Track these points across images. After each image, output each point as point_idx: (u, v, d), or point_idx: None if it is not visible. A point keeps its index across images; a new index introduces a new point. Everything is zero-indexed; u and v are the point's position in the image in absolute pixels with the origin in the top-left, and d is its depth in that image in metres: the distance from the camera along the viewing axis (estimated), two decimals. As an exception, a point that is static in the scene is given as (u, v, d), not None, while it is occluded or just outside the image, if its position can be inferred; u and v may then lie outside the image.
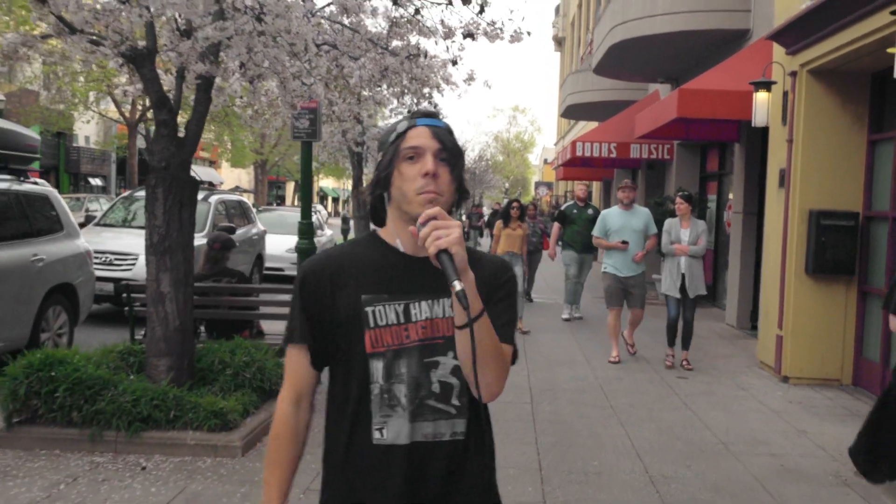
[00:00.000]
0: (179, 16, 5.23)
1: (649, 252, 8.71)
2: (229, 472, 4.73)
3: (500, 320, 1.77)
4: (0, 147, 7.29)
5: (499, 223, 10.37)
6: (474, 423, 1.81)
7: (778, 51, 8.26)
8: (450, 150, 1.75)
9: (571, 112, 22.88)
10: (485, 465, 1.83)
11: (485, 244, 27.10)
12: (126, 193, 13.15)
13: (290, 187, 69.12)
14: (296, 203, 67.65)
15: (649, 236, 8.55)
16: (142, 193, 12.91)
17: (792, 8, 7.80)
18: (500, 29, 6.29)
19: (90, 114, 30.49)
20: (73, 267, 7.86)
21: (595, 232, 8.78)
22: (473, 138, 52.12)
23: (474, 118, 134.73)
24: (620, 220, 8.47)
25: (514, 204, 10.28)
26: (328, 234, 19.87)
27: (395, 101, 10.59)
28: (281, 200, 62.39)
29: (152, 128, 22.01)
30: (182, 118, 6.10)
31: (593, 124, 24.59)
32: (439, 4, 6.40)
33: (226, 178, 50.57)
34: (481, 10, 6.13)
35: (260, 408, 5.65)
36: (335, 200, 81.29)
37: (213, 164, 49.30)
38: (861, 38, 6.34)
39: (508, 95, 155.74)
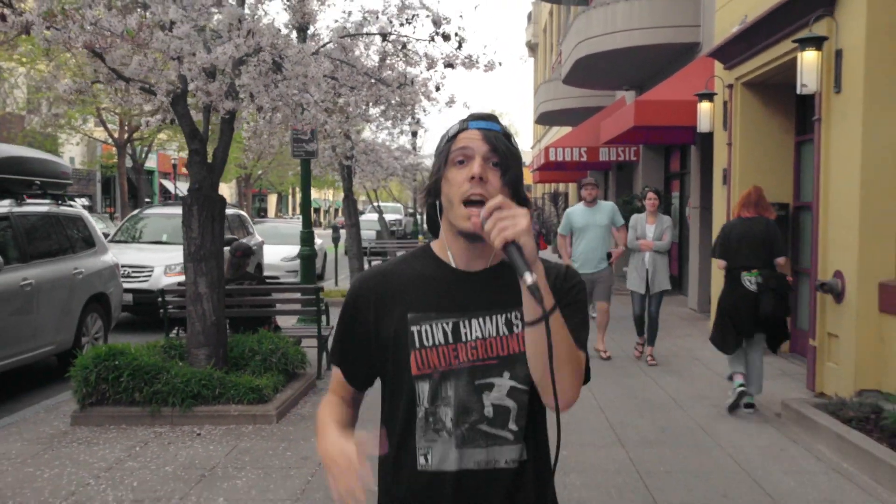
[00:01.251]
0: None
1: (625, 247, 8.56)
2: (269, 434, 5.81)
3: (572, 322, 1.60)
4: (39, 175, 8.31)
5: None
6: (533, 448, 1.68)
7: (718, 66, 9.46)
8: (502, 154, 1.61)
9: (545, 119, 24.10)
10: (546, 496, 1.72)
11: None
12: (134, 212, 14.13)
13: (272, 199, 70.21)
14: (278, 214, 68.62)
15: (618, 229, 8.51)
16: (149, 211, 13.98)
17: (727, 30, 9.00)
18: (476, 60, 7.41)
19: (77, 135, 31.20)
20: (105, 278, 8.90)
21: (560, 230, 8.84)
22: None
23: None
24: (584, 218, 8.47)
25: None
26: (318, 242, 20.90)
27: (382, 119, 11.76)
28: (264, 213, 63.30)
29: (138, 147, 22.86)
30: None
31: (567, 129, 25.86)
32: (423, 40, 7.54)
33: (209, 192, 51.41)
34: (459, 46, 7.25)
35: (287, 385, 6.74)
36: (316, 211, 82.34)
37: (195, 179, 50.17)
38: (777, 58, 7.55)
39: (485, 101, 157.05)
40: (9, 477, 4.91)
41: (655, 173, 16.12)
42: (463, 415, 1.62)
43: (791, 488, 4.76)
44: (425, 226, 1.77)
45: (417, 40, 7.49)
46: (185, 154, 35.59)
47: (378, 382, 1.78)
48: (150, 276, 11.08)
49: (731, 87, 8.98)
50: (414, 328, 1.64)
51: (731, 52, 8.64)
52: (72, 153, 39.40)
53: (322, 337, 7.74)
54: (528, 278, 1.38)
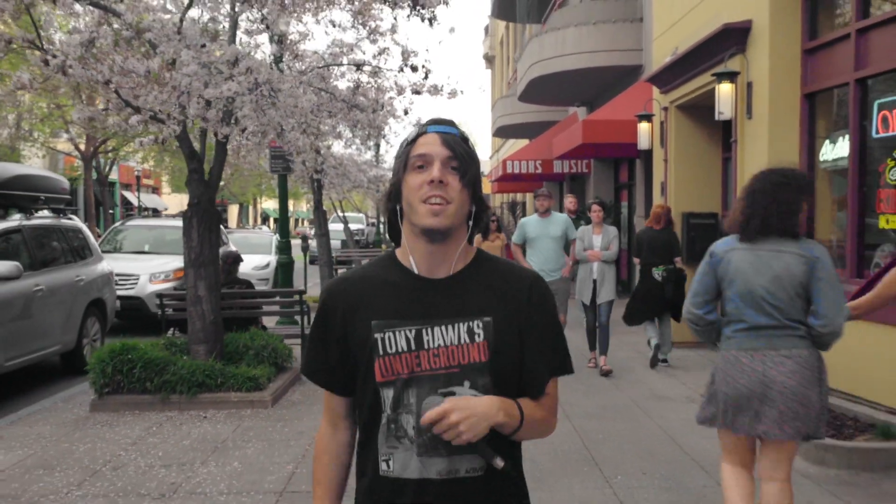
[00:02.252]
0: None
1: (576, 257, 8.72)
2: (266, 416, 6.73)
3: (549, 352, 1.73)
4: (43, 191, 9.10)
5: (478, 237, 11.84)
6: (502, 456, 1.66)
7: (655, 90, 10.61)
8: (461, 157, 1.65)
9: (502, 132, 25.26)
10: None
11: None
12: (116, 224, 14.86)
13: (233, 210, 70.55)
14: (240, 224, 68.91)
15: (570, 242, 8.63)
16: (130, 223, 14.73)
17: (662, 58, 10.15)
18: (441, 89, 8.43)
19: (38, 148, 31.44)
20: (102, 285, 9.71)
21: (514, 240, 8.83)
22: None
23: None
24: (538, 229, 8.51)
25: (493, 217, 11.78)
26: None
27: (351, 136, 12.72)
28: (224, 223, 63.59)
29: (102, 160, 23.31)
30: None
31: (524, 141, 27.05)
32: (393, 71, 8.53)
33: (168, 203, 51.85)
34: (426, 77, 8.25)
35: (277, 376, 7.66)
36: (276, 221, 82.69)
37: (155, 190, 50.47)
38: (702, 86, 8.70)
39: (444, 110, 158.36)
40: (50, 451, 5.77)
41: (606, 184, 17.28)
42: None
43: (705, 448, 5.80)
44: (387, 235, 1.77)
45: (388, 70, 8.50)
46: (147, 166, 35.65)
47: None
48: (136, 283, 11.85)
49: (666, 109, 10.13)
50: (378, 335, 1.67)
51: (665, 78, 9.79)
52: (34, 166, 39.60)
53: (305, 335, 8.66)
54: (499, 463, 1.56)
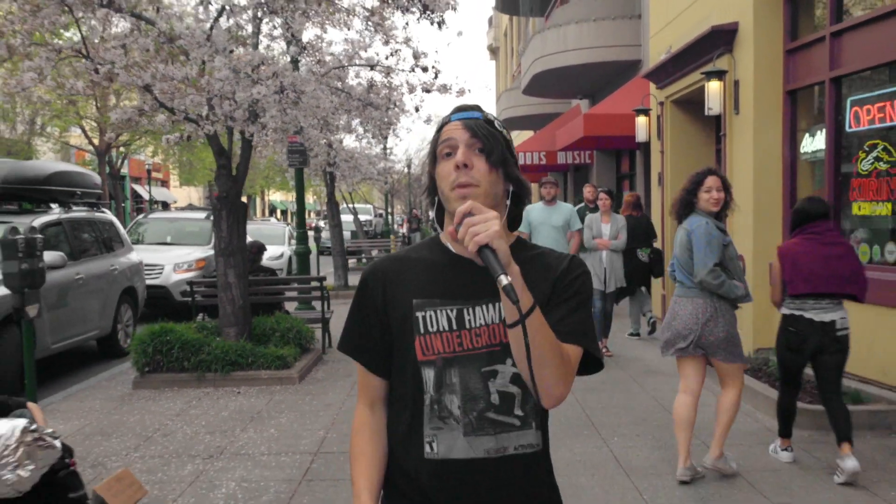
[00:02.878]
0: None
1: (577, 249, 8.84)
2: (295, 391, 7.37)
3: (567, 318, 1.66)
4: (79, 186, 9.74)
5: None
6: (543, 433, 1.72)
7: (651, 85, 11.19)
8: (484, 138, 1.65)
9: (507, 124, 25.77)
10: (553, 482, 1.78)
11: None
12: (138, 218, 15.53)
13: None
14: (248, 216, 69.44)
15: (573, 232, 8.64)
16: (154, 216, 15.42)
17: (658, 56, 10.73)
18: (449, 87, 9.03)
19: (54, 143, 32.06)
20: (133, 274, 10.36)
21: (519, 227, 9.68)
22: (423, 148, 54.86)
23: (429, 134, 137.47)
24: (541, 216, 8.54)
25: None
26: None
27: (362, 131, 13.34)
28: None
29: (115, 154, 23.80)
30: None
31: (528, 132, 27.63)
32: (405, 70, 9.14)
33: (177, 196, 52.58)
34: (435, 76, 8.85)
35: (302, 356, 8.31)
36: (283, 213, 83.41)
37: (164, 183, 51.19)
38: (694, 83, 9.29)
39: (450, 102, 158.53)
40: (104, 421, 6.43)
41: (608, 174, 17.86)
42: (470, 402, 1.64)
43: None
44: (436, 224, 1.79)
45: (401, 70, 9.11)
46: (157, 159, 36.04)
47: None
48: (160, 273, 12.49)
49: (662, 104, 10.71)
50: (419, 314, 1.68)
51: (660, 75, 10.37)
52: (45, 160, 40.25)
53: (325, 319, 9.30)
54: (503, 280, 1.40)
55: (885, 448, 5.46)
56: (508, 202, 1.73)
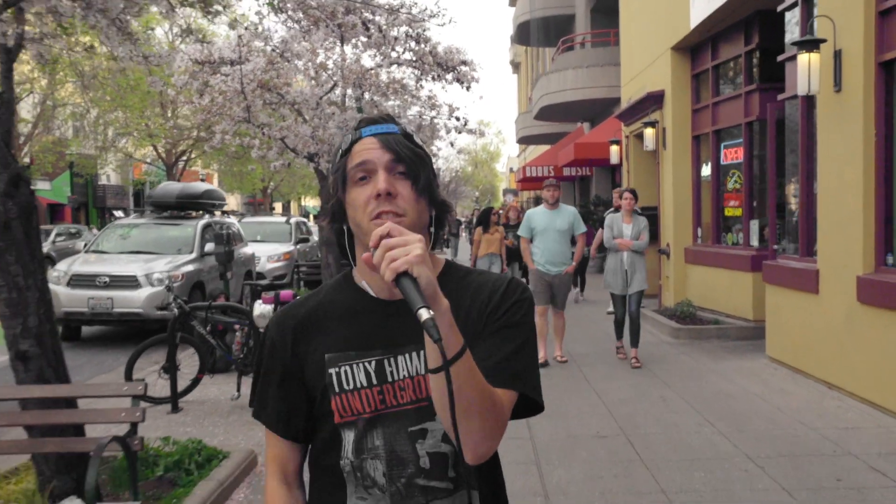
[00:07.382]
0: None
1: (582, 252, 8.90)
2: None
3: (499, 355, 1.41)
4: (215, 199, 14.01)
5: (479, 229, 11.89)
6: (484, 492, 1.49)
7: (621, 123, 15.34)
8: (407, 160, 1.42)
9: (524, 141, 30.26)
10: None
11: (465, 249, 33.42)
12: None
13: (278, 207, 76.03)
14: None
15: (576, 236, 8.48)
16: (247, 220, 19.73)
17: (626, 101, 14.87)
18: (475, 131, 13.15)
19: (120, 156, 35.63)
20: (248, 261, 14.62)
21: (520, 232, 8.63)
22: (450, 155, 57.99)
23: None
24: (545, 220, 8.31)
25: (495, 211, 12.67)
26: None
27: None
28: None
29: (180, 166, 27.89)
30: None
31: (544, 147, 31.87)
32: (442, 118, 13.27)
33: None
34: (465, 124, 12.95)
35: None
36: (315, 217, 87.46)
37: (211, 190, 55.35)
38: (641, 127, 13.43)
39: (475, 111, 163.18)
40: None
41: (605, 184, 21.91)
42: (396, 468, 1.45)
43: (641, 345, 9.81)
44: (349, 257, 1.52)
45: (440, 118, 13.24)
46: (210, 171, 39.71)
47: None
48: (258, 262, 16.74)
49: (627, 137, 14.84)
50: (332, 370, 1.47)
51: (625, 117, 14.51)
52: (108, 171, 44.03)
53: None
54: (424, 314, 1.18)
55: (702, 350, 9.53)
56: (432, 229, 1.51)
